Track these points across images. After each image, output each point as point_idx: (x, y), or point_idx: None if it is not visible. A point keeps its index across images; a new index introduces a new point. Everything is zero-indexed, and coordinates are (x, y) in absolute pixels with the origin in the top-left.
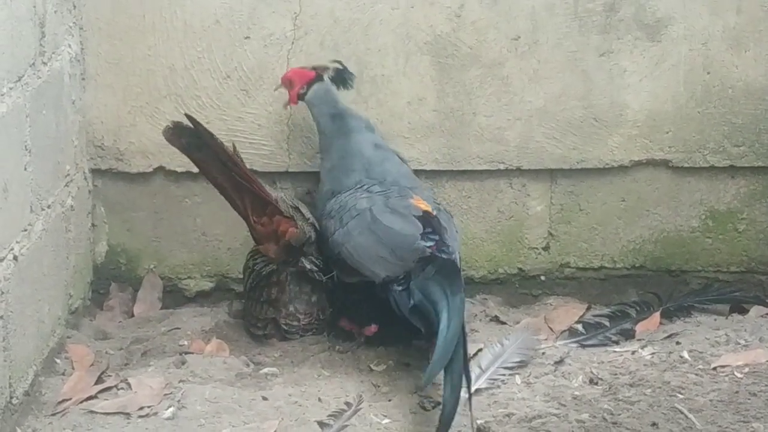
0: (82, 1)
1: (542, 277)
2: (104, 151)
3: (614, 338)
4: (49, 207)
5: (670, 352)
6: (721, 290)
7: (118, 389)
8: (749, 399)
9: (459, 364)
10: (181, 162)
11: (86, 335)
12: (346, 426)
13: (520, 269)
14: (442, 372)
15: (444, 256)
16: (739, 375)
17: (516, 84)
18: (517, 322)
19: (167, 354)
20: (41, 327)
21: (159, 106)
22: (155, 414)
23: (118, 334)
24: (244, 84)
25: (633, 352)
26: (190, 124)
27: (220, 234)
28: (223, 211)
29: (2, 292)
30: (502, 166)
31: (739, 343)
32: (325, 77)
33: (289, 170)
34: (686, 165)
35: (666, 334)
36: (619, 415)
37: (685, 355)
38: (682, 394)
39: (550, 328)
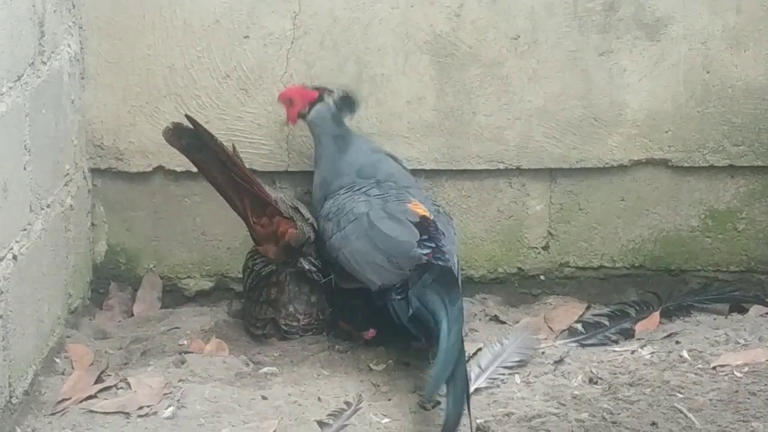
0: (82, 1)
1: (542, 277)
2: (104, 150)
3: (614, 338)
4: (48, 206)
5: (670, 352)
6: (720, 290)
7: (118, 389)
8: (749, 398)
9: (461, 375)
10: (180, 162)
11: (86, 335)
12: (346, 425)
13: (519, 269)
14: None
15: (441, 263)
16: (738, 374)
17: (515, 83)
18: (517, 322)
19: (167, 353)
20: (41, 326)
21: (158, 105)
22: (155, 413)
23: (117, 334)
24: (243, 83)
25: (632, 352)
26: (190, 125)
27: (220, 233)
28: (222, 210)
29: (2, 292)
30: (501, 166)
31: (738, 343)
32: (326, 97)
33: (289, 169)
34: (686, 164)
35: (665, 334)
36: (619, 414)
37: (685, 354)
38: (681, 393)
39: (550, 328)
